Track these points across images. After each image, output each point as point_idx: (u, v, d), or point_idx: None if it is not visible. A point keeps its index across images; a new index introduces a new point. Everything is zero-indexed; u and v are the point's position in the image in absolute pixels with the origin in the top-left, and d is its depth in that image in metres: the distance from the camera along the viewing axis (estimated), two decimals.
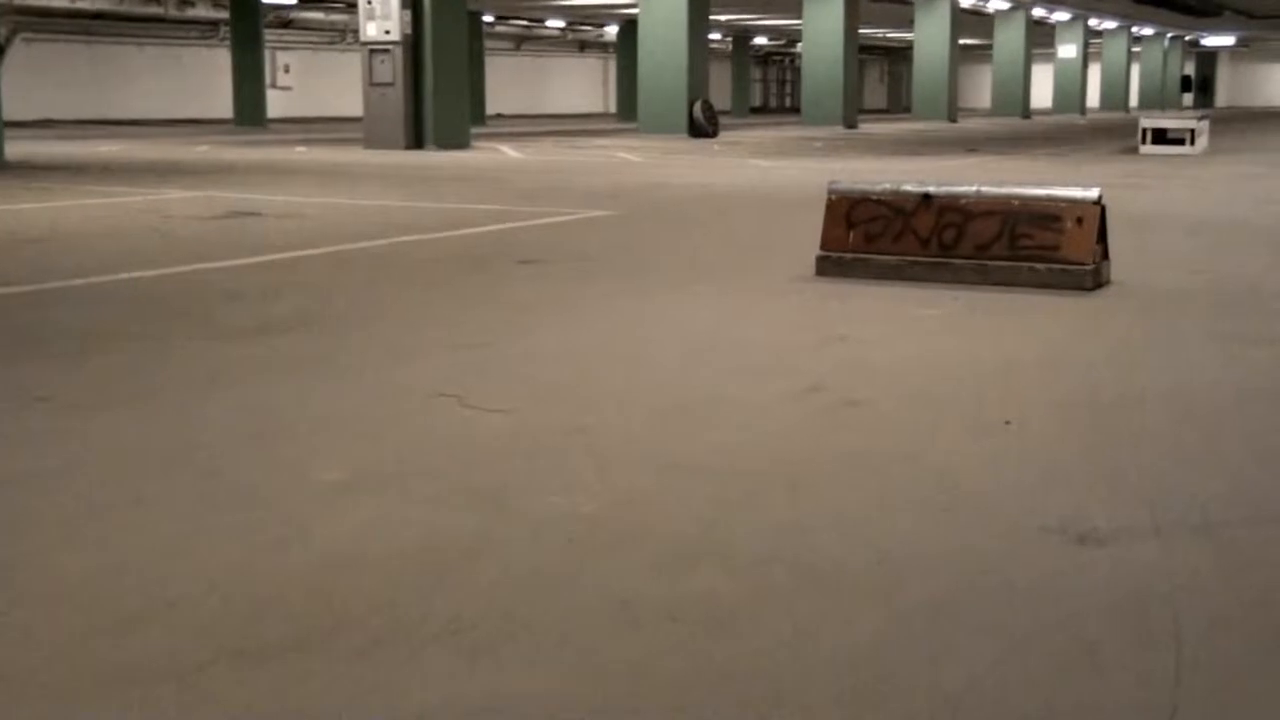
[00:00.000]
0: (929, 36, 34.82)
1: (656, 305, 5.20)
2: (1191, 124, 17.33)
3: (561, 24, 46.33)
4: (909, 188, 5.85)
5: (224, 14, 32.11)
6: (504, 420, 3.35)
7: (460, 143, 18.52)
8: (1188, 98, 62.05)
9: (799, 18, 30.95)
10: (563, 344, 4.41)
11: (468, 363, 4.09)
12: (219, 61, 34.75)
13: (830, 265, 5.87)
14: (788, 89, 68.65)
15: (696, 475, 2.90)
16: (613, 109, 46.74)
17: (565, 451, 3.08)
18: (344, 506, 2.67)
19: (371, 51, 18.22)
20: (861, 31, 34.26)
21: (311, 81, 38.87)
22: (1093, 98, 48.54)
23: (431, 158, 16.39)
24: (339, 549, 2.43)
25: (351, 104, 22.85)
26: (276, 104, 34.77)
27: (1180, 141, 17.07)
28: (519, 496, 2.73)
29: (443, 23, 18.20)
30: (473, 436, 3.21)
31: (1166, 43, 55.56)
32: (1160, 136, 17.27)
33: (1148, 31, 52.21)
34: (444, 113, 18.33)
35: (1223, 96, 66.65)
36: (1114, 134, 24.25)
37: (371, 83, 18.33)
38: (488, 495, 2.74)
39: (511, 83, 46.82)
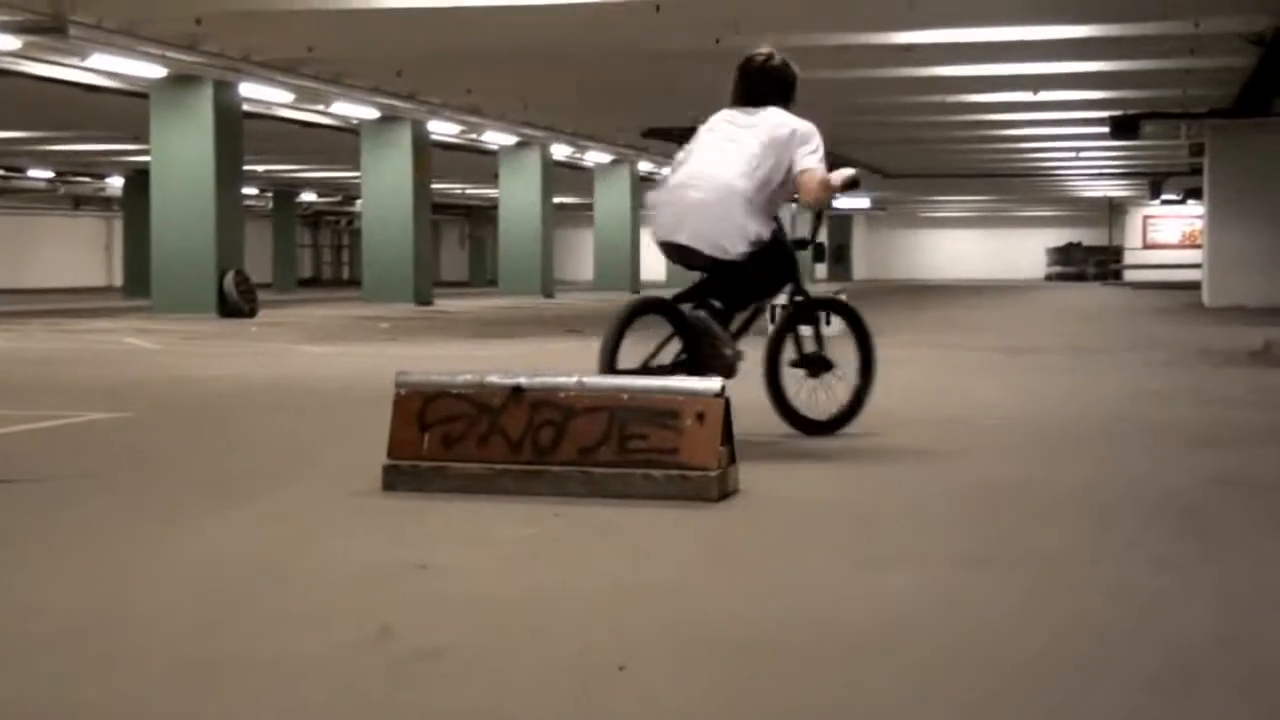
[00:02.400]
0: (516, 193, 35.92)
1: (178, 536, 5.08)
2: None
3: (49, 174, 45.31)
4: (495, 379, 5.98)
5: None
6: None
7: None
8: (821, 269, 66.17)
9: (355, 169, 31.40)
10: (49, 594, 4.24)
11: None
12: None
13: (401, 477, 5.89)
14: (345, 256, 69.27)
15: None
16: (119, 282, 45.84)
17: None
18: None
19: None
20: (436, 186, 35.04)
21: None
22: None
23: None
24: None
25: None
26: None
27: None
28: None
29: None
30: None
31: (794, 205, 59.19)
32: None
33: None
34: None
35: (861, 267, 71.45)
36: None
37: None
38: None
39: None
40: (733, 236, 7.07)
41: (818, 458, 7.10)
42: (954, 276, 66.81)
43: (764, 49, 7.52)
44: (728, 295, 7.32)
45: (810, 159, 7.21)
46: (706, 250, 7.12)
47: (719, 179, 7.13)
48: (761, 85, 7.40)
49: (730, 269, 7.16)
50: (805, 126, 7.29)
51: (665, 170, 7.17)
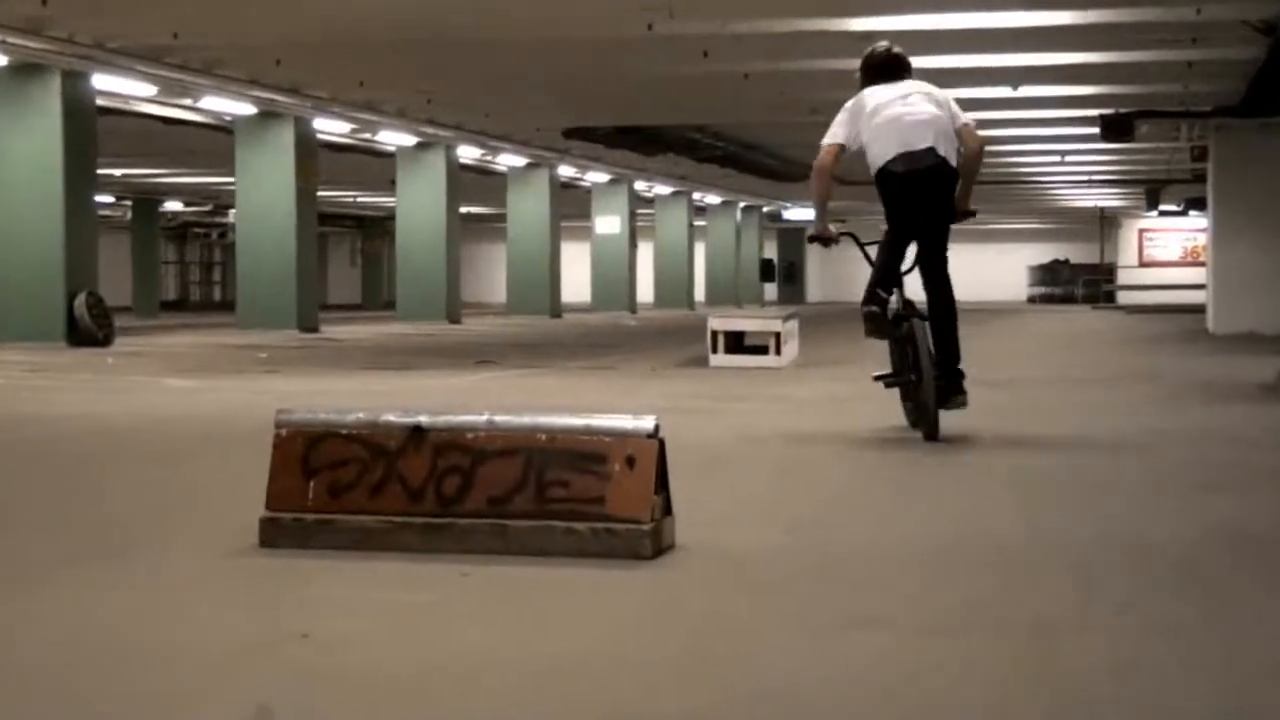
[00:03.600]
0: (417, 202, 35.70)
1: (21, 603, 5.04)
2: (776, 326, 18.52)
3: None
4: (392, 418, 5.95)
5: None
6: None
7: None
8: (770, 289, 66.30)
9: (229, 173, 31.19)
10: None
11: None
12: None
13: (281, 532, 5.85)
14: (217, 275, 68.96)
15: None
16: None
17: None
18: None
19: None
20: (323, 194, 34.88)
21: None
22: (647, 288, 50.99)
23: None
24: None
25: None
26: None
27: (763, 350, 18.20)
28: None
29: None
30: None
31: (739, 215, 59.32)
32: (736, 343, 18.35)
33: (713, 200, 55.64)
34: None
35: (815, 288, 71.61)
36: (676, 339, 25.59)
37: None
38: None
39: None
40: (952, 145, 9.63)
41: (765, 507, 7.11)
42: (922, 298, 66.97)
43: (880, 44, 10.26)
44: (943, 210, 9.95)
45: (965, 116, 9.81)
46: (943, 151, 9.52)
47: (926, 110, 9.62)
48: (895, 65, 9.96)
49: (950, 177, 9.67)
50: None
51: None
